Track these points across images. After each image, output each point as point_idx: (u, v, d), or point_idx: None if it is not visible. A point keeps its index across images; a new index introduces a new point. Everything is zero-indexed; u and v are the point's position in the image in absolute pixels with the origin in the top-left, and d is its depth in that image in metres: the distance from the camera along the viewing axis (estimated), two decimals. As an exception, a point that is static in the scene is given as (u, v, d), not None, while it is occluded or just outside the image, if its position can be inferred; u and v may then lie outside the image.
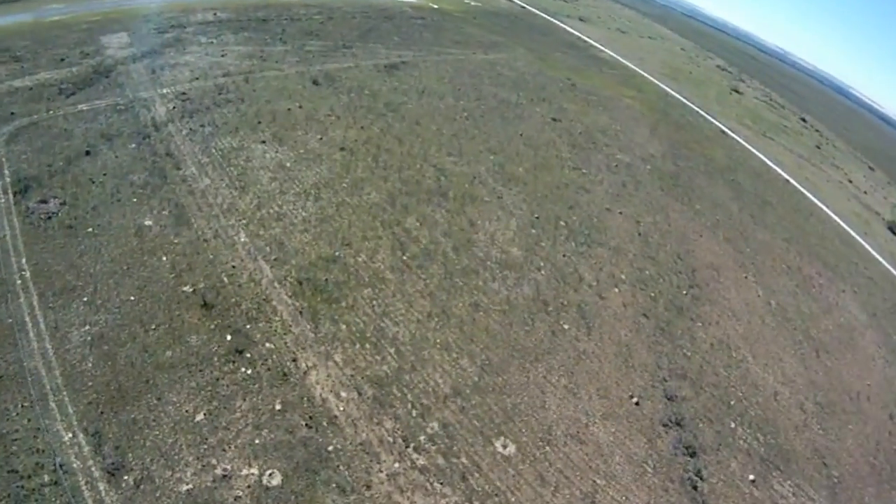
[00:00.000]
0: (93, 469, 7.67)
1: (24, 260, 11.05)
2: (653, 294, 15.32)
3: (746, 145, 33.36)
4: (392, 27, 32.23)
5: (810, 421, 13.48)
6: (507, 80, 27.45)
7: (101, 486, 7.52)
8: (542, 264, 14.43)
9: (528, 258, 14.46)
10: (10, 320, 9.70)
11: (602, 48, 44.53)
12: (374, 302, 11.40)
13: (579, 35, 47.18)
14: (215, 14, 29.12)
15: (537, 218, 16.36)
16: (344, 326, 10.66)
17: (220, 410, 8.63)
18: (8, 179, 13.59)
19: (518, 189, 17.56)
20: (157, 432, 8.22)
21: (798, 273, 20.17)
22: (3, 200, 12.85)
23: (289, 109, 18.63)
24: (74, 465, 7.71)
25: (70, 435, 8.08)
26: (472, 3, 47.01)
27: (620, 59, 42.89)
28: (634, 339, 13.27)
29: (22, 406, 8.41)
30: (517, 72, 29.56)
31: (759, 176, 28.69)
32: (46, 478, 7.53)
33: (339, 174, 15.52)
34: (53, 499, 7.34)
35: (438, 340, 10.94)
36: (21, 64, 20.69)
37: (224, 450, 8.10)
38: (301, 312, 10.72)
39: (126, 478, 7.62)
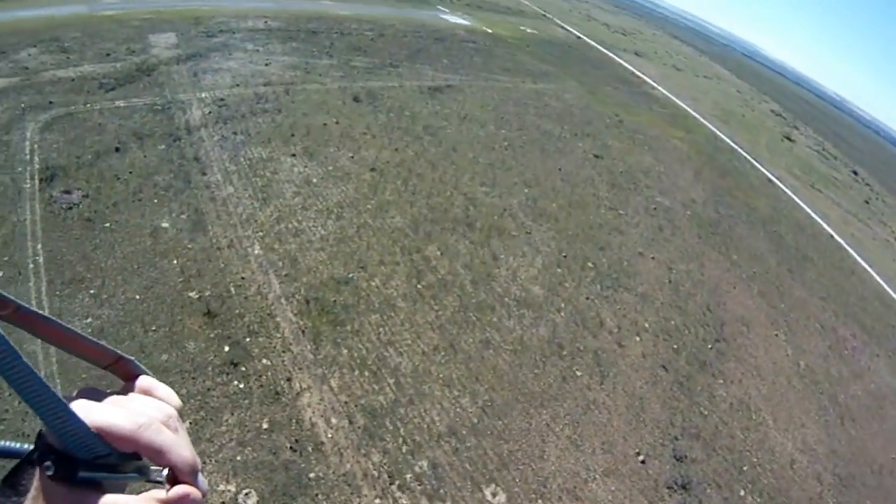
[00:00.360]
0: None
1: (39, 245, 11.97)
2: (676, 346, 15.32)
3: (793, 196, 33.02)
4: (442, 49, 33.35)
5: (826, 494, 13.17)
6: (552, 112, 28.02)
7: None
8: (562, 305, 14.64)
9: (548, 298, 14.71)
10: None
11: (655, 85, 44.95)
12: (381, 329, 11.81)
13: (633, 70, 47.76)
14: (266, 22, 30.74)
15: (564, 257, 16.62)
16: (345, 351, 11.08)
17: (206, 422, 9.08)
18: (36, 166, 14.70)
19: (549, 225, 17.90)
20: None
21: (832, 333, 19.81)
22: (28, 186, 13.91)
23: (325, 124, 19.51)
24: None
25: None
26: (528, 31, 48.29)
27: (673, 97, 43.20)
28: (650, 393, 13.31)
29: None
30: (564, 104, 30.13)
31: (803, 229, 28.35)
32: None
33: (365, 195, 16.17)
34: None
35: (442, 375, 11.25)
36: (67, 55, 22.26)
37: (204, 462, 8.50)
38: (303, 332, 11.20)
39: None
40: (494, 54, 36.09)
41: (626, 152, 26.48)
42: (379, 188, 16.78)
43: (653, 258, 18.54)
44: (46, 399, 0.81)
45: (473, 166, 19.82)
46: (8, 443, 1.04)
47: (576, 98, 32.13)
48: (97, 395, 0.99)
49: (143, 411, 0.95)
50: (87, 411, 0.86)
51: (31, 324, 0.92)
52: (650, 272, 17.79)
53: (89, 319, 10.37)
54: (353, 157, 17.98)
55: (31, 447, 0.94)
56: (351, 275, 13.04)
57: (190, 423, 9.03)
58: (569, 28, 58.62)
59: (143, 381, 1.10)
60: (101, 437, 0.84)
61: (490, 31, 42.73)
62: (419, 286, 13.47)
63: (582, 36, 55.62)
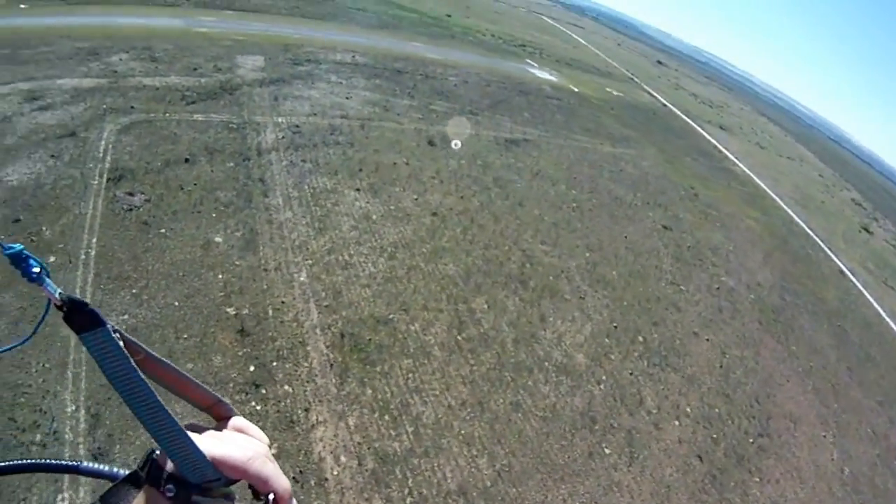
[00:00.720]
0: (80, 447, 8.78)
1: (94, 239, 13.08)
2: (715, 435, 14.89)
3: (863, 291, 31.61)
4: (525, 102, 34.34)
5: None
6: (627, 178, 28.23)
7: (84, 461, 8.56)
8: (603, 378, 14.57)
9: (590, 368, 14.68)
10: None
11: (736, 161, 44.61)
12: (411, 375, 12.11)
13: (715, 143, 47.65)
14: (354, 56, 32.58)
15: (615, 327, 16.58)
16: (370, 391, 11.41)
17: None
18: (107, 165, 16.06)
19: (605, 293, 17.94)
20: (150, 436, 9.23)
21: (884, 441, 18.66)
22: (95, 183, 15.21)
23: (394, 164, 20.40)
24: (65, 437, 8.90)
25: (73, 408, 9.36)
26: (614, 93, 49.10)
27: (752, 175, 42.70)
28: (679, 482, 12.97)
29: (43, 366, 9.88)
30: (640, 171, 30.31)
31: (869, 327, 27.03)
32: (38, 437, 8.73)
33: (422, 238, 16.74)
34: (37, 458, 8.43)
35: (463, 432, 11.40)
36: (156, 64, 24.26)
37: (114, 469, 8.89)
38: (332, 365, 11.63)
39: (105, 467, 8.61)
40: (577, 113, 36.85)
41: (696, 227, 26.32)
42: (437, 233, 17.36)
43: (707, 340, 18.24)
44: (170, 428, 1.04)
45: (537, 223, 20.19)
46: (97, 465, 1.38)
47: (653, 166, 32.29)
48: (199, 429, 1.21)
49: (249, 445, 1.17)
50: (203, 442, 1.07)
51: (153, 368, 1.16)
52: (702, 354, 17.50)
53: (125, 317, 11.17)
54: (417, 199, 18.69)
55: (126, 471, 1.18)
56: (392, 315, 13.49)
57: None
58: (655, 94, 59.24)
59: (237, 420, 1.33)
60: (216, 466, 1.05)
61: (576, 89, 43.71)
62: (459, 337, 13.77)
63: (668, 104, 56.07)
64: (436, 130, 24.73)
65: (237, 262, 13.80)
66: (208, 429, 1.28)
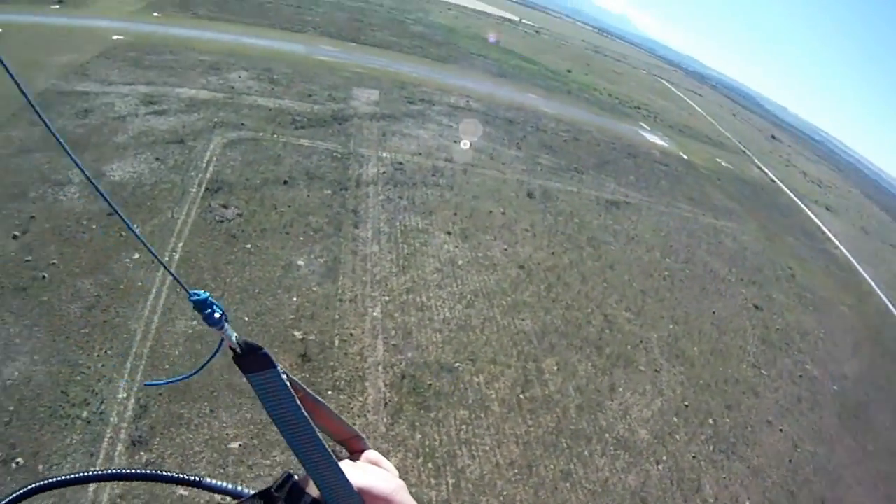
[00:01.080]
0: (122, 432, 9.18)
1: (181, 244, 13.85)
2: None
3: None
4: (632, 165, 34.00)
5: None
6: (725, 251, 27.18)
7: (120, 447, 8.89)
8: (664, 458, 13.76)
9: (652, 446, 13.91)
10: (140, 284, 12.33)
11: (838, 244, 42.07)
12: (464, 427, 11.89)
13: (819, 224, 45.24)
14: (468, 101, 33.38)
15: (686, 406, 15.72)
16: (419, 436, 11.28)
17: (255, 450, 9.70)
18: (208, 176, 16.98)
19: (681, 369, 17.12)
20: (192, 436, 9.49)
21: None
22: (193, 190, 16.12)
23: (490, 212, 20.49)
24: (110, 419, 9.35)
25: (124, 395, 9.81)
26: (723, 164, 48.15)
27: (853, 260, 40.06)
28: None
29: (105, 352, 10.46)
30: (739, 245, 29.13)
31: None
32: (84, 414, 9.16)
33: (504, 290, 16.61)
34: (77, 434, 8.87)
35: (506, 493, 11.01)
36: (273, 86, 25.63)
37: (237, 486, 9.03)
38: (386, 404, 11.61)
39: (142, 454, 8.89)
40: (682, 181, 36.11)
41: (788, 309, 24.88)
42: (521, 287, 17.18)
43: (781, 430, 17.01)
44: (323, 459, 1.11)
45: (625, 289, 19.65)
46: (219, 482, 1.49)
47: (753, 242, 31.01)
48: (337, 458, 1.30)
49: (391, 478, 1.24)
50: (350, 471, 1.15)
51: (307, 404, 1.22)
52: (772, 445, 16.31)
53: (194, 322, 11.58)
54: (506, 249, 18.64)
55: (250, 490, 1.28)
56: (458, 364, 13.35)
57: (239, 444, 9.66)
58: (765, 169, 57.46)
59: (371, 454, 1.38)
60: (362, 496, 1.12)
61: (685, 156, 43.04)
62: (522, 395, 13.42)
63: (776, 179, 54.23)
64: (538, 184, 24.73)
65: (314, 288, 14.11)
66: (344, 458, 1.36)
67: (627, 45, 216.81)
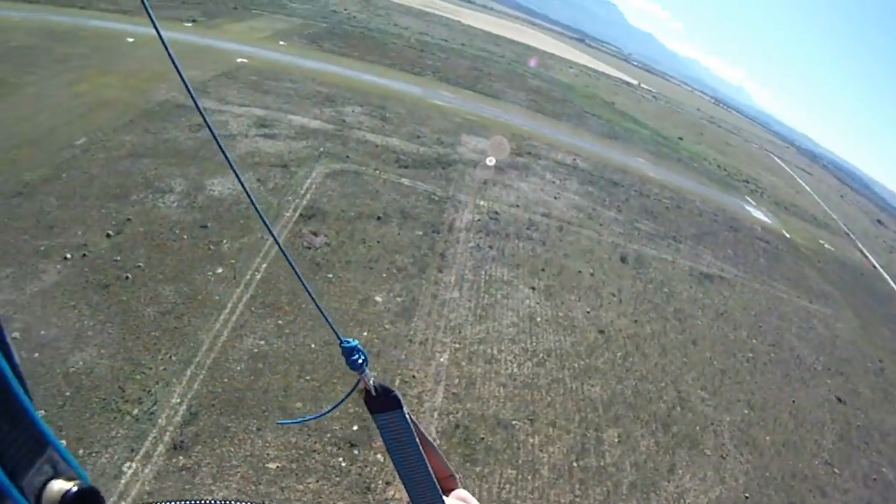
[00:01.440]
0: (166, 434, 9.45)
1: (264, 265, 14.25)
2: None
3: None
4: (731, 238, 32.63)
5: None
6: (814, 338, 25.36)
7: (161, 448, 9.10)
8: None
9: None
10: (217, 298, 12.74)
11: None
12: (508, 486, 11.46)
13: None
14: (574, 159, 33.22)
15: (746, 498, 14.57)
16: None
17: (290, 473, 9.73)
18: (304, 202, 17.51)
19: (749, 458, 15.90)
20: (233, 450, 9.61)
21: None
22: (288, 215, 16.70)
23: (579, 272, 20.08)
24: (159, 420, 9.61)
25: (177, 400, 10.10)
26: (826, 245, 45.72)
27: None
28: None
29: (170, 357, 10.87)
30: (831, 332, 27.10)
31: None
32: (135, 411, 9.49)
33: (578, 353, 16.11)
34: (123, 428, 9.25)
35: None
36: (384, 124, 26.36)
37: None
38: (433, 451, 11.37)
39: (180, 458, 9.10)
40: (782, 259, 34.27)
41: (873, 406, 22.75)
42: (596, 352, 16.60)
43: None
44: (431, 496, 1.23)
45: (704, 367, 18.60)
46: None
47: (846, 330, 28.79)
48: None
49: None
50: None
51: (421, 442, 1.31)
52: None
53: (262, 342, 11.82)
54: (589, 312, 18.13)
55: None
56: (515, 422, 12.94)
57: (277, 466, 9.67)
58: (868, 254, 53.73)
59: (461, 492, 1.44)
60: None
61: (787, 234, 41.02)
62: (575, 464, 12.81)
63: (878, 266, 50.55)
64: (632, 248, 24.06)
65: (387, 326, 14.13)
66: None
67: (743, 117, 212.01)
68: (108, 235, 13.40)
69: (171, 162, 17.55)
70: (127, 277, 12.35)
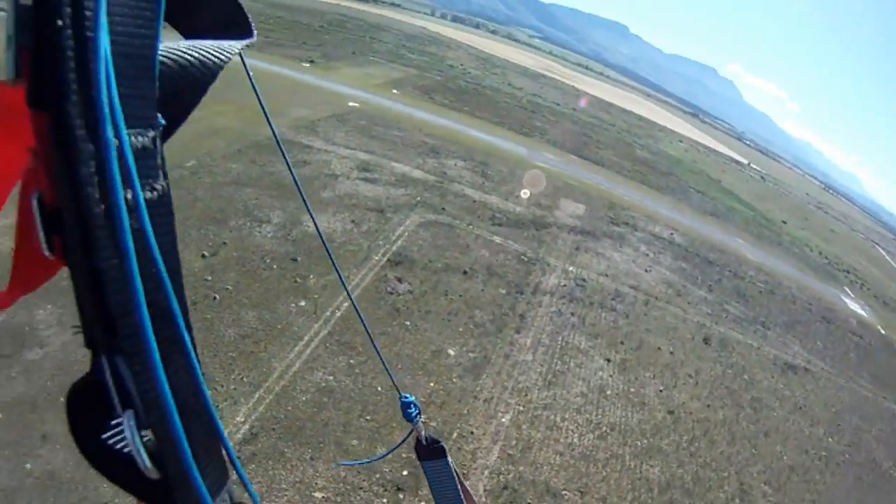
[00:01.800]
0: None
1: (346, 304, 14.82)
2: None
3: None
4: (823, 330, 30.79)
5: None
6: (894, 442, 23.59)
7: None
8: None
9: None
10: (296, 329, 13.46)
11: None
12: (548, 557, 11.40)
13: None
14: (671, 234, 32.68)
15: None
16: (495, 554, 11.01)
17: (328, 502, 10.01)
18: (393, 248, 18.16)
19: None
20: (283, 474, 10.06)
21: None
22: (376, 258, 17.43)
23: (658, 349, 19.71)
24: None
25: (241, 419, 10.85)
26: None
27: None
28: None
29: (241, 378, 11.62)
30: None
31: None
32: None
33: (643, 431, 15.78)
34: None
35: None
36: (484, 180, 27.09)
37: None
38: (477, 509, 11.45)
39: (232, 474, 9.71)
40: (873, 357, 31.85)
41: None
42: (662, 432, 16.17)
43: None
44: None
45: (772, 460, 17.62)
46: None
47: None
48: None
49: None
50: None
51: (465, 494, 1.61)
52: None
53: (330, 378, 12.33)
54: (661, 391, 17.74)
55: None
56: (566, 492, 12.79)
57: (323, 496, 9.95)
58: None
59: None
60: None
61: (883, 331, 38.13)
62: (620, 544, 12.61)
63: None
64: (717, 330, 23.32)
65: (455, 379, 14.36)
66: None
67: (851, 205, 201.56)
68: (203, 256, 14.40)
69: (272, 194, 18.66)
70: (215, 298, 13.22)
